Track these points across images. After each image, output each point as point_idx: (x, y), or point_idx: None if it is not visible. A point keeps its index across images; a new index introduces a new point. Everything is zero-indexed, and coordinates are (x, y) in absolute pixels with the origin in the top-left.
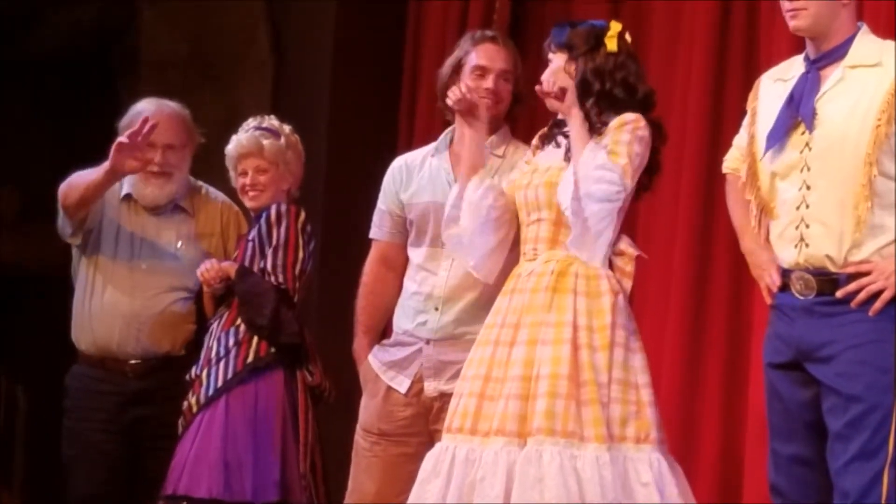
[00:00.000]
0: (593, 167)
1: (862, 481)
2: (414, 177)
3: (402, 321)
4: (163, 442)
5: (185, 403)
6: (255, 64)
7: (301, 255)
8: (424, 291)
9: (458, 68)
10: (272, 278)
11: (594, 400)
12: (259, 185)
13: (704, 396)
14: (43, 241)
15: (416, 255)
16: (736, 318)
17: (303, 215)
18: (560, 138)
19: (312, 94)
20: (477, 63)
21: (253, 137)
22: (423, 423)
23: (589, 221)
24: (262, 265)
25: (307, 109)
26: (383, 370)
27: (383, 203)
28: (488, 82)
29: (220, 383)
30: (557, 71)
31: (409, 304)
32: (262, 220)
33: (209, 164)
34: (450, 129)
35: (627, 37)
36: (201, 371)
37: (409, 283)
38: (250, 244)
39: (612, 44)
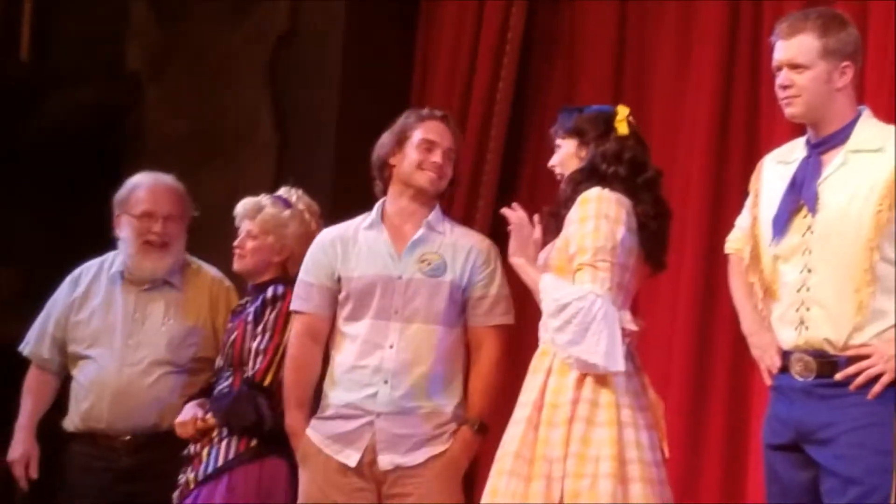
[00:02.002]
0: (552, 315)
1: None
2: (350, 250)
3: (343, 394)
4: None
5: (183, 478)
6: (259, 143)
7: (285, 340)
8: (371, 364)
9: (401, 140)
10: (253, 360)
11: (540, 475)
12: (245, 248)
13: (704, 477)
14: (36, 321)
15: (355, 327)
16: (736, 399)
17: None
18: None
19: (316, 174)
20: (425, 137)
21: (255, 201)
22: (375, 494)
23: (589, 360)
24: (252, 344)
25: (311, 189)
26: (328, 443)
27: (311, 276)
28: (436, 156)
29: (220, 462)
30: (569, 157)
31: (351, 377)
32: (260, 300)
33: (210, 243)
34: (380, 202)
35: (632, 119)
36: (201, 449)
37: (346, 357)
38: (246, 323)
39: (622, 127)
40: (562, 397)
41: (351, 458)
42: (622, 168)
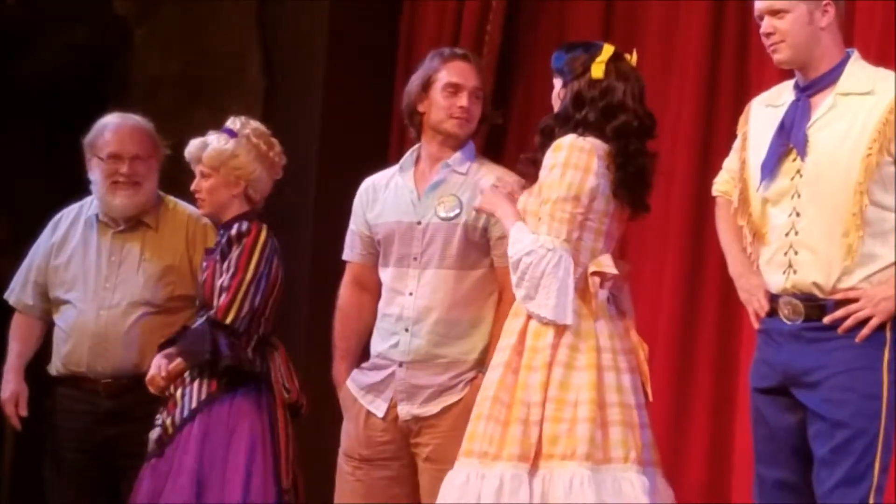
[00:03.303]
0: (511, 269)
1: None
2: (379, 197)
3: (377, 343)
4: (134, 461)
5: (160, 420)
6: (246, 84)
7: (248, 276)
8: (395, 313)
9: (427, 85)
10: (217, 297)
11: (516, 419)
12: (201, 191)
13: (691, 419)
14: (20, 268)
15: (384, 275)
16: (724, 342)
17: (262, 236)
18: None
19: (303, 114)
20: (449, 80)
21: (200, 141)
22: (402, 446)
23: (541, 313)
24: (217, 282)
25: (298, 129)
26: (361, 394)
27: (354, 224)
28: (462, 100)
29: (193, 404)
30: (555, 98)
31: (382, 325)
32: (225, 238)
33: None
34: (415, 147)
35: (629, 57)
36: (175, 390)
37: (381, 305)
38: (216, 262)
39: (597, 70)
40: (541, 341)
41: (380, 408)
42: (592, 113)
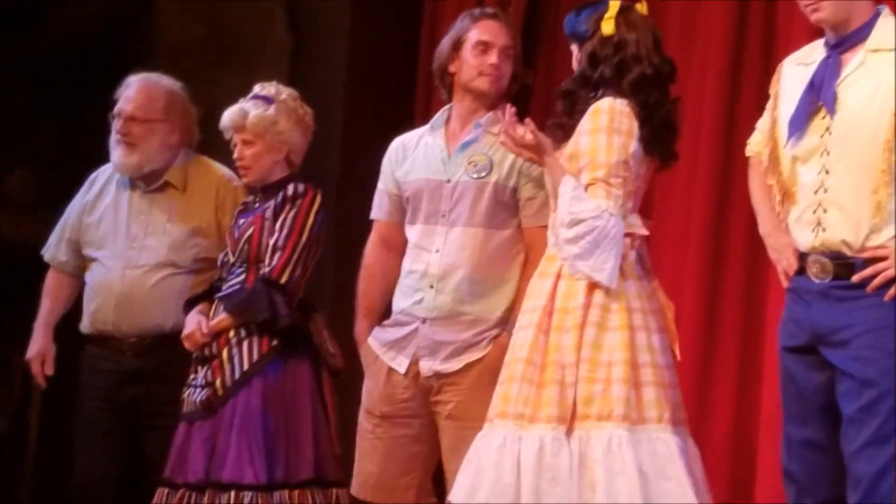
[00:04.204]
0: (566, 226)
1: (875, 466)
2: (409, 155)
3: (400, 300)
4: (157, 420)
5: (199, 380)
6: (273, 46)
7: (304, 239)
8: (419, 269)
9: (458, 45)
10: (270, 257)
11: (551, 381)
12: (244, 159)
13: (718, 380)
14: (57, 224)
15: (411, 233)
16: (750, 302)
17: (317, 201)
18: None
19: (329, 76)
20: (479, 39)
21: (238, 109)
22: (423, 403)
23: (594, 276)
24: (270, 241)
25: (324, 91)
26: (383, 350)
27: (382, 183)
28: (492, 58)
29: (246, 366)
30: (575, 64)
31: (406, 282)
32: (280, 196)
33: (225, 146)
34: (446, 107)
35: (639, 7)
36: (219, 350)
37: (406, 262)
38: (263, 219)
39: (607, 27)
40: (572, 302)
41: (402, 364)
42: (607, 70)
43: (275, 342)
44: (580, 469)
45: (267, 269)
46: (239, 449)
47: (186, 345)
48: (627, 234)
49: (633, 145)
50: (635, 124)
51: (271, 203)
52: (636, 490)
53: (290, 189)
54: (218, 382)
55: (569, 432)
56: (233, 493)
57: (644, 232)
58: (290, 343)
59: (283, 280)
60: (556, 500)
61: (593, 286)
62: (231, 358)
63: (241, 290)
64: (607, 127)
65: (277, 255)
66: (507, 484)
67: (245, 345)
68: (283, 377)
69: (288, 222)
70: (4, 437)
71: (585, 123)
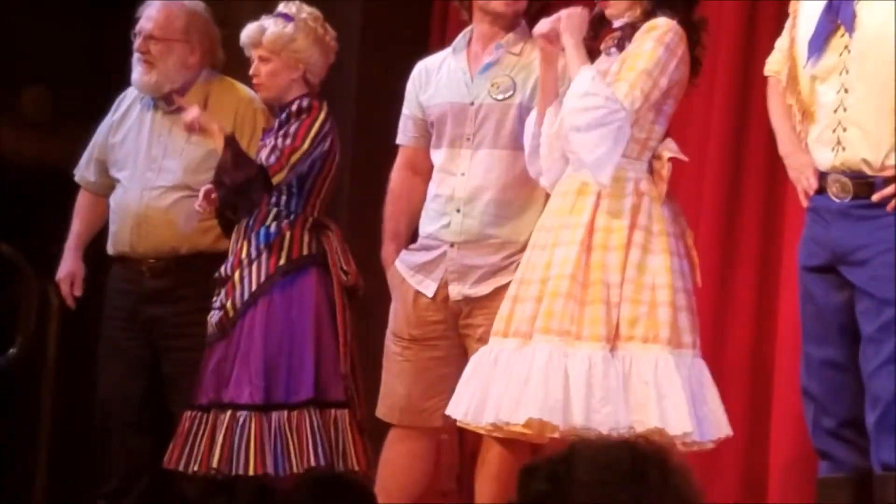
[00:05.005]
0: (578, 96)
1: (894, 384)
2: (432, 79)
3: (426, 224)
4: (175, 342)
5: (217, 302)
6: None
7: (305, 147)
8: (445, 193)
9: None
10: (267, 156)
11: (597, 299)
12: (260, 75)
13: (736, 299)
14: (74, 141)
15: (437, 157)
16: (768, 222)
17: (324, 113)
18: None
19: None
20: None
21: (257, 25)
22: (452, 326)
23: (581, 153)
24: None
25: (339, 12)
26: (410, 274)
27: (407, 108)
28: None
29: (254, 287)
30: None
31: (433, 206)
32: (284, 113)
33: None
34: (467, 29)
35: None
36: (233, 272)
37: (432, 186)
38: (269, 135)
39: None
40: (616, 222)
41: (430, 288)
42: None
43: (282, 261)
44: (626, 390)
45: (267, 163)
46: (240, 369)
47: (186, 118)
48: (670, 159)
49: (674, 64)
50: (683, 47)
51: (279, 119)
52: (685, 413)
53: (295, 105)
54: (229, 304)
55: (612, 351)
56: (229, 413)
57: (683, 157)
58: (291, 263)
59: (275, 182)
60: (606, 419)
61: (638, 207)
62: (242, 279)
63: (247, 157)
64: (658, 38)
65: (273, 156)
66: (557, 400)
67: (255, 266)
68: (289, 296)
69: (291, 132)
70: (22, 358)
71: (637, 35)
